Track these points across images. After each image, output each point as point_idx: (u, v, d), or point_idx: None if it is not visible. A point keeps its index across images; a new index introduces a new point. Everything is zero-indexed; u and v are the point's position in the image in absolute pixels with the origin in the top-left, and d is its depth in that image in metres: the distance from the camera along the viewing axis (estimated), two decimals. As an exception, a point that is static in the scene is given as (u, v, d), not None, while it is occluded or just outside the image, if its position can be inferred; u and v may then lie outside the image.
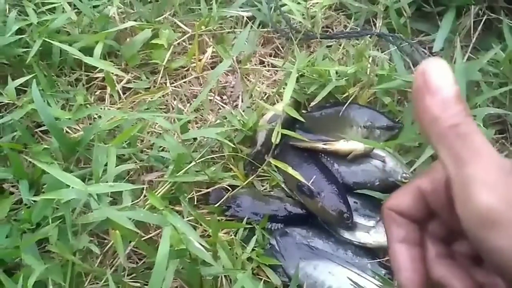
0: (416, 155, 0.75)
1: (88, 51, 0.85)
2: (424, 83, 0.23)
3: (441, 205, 0.26)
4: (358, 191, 0.76)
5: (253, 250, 0.71)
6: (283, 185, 0.80)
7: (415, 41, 0.91)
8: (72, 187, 0.58)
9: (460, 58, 0.70)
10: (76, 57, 0.81)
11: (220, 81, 0.91)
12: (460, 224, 0.22)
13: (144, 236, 0.72)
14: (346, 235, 0.75)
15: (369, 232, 0.74)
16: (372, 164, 0.78)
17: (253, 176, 0.79)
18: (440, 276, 0.26)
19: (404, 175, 0.75)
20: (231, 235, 0.74)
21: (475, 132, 0.22)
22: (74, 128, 0.84)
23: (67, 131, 0.84)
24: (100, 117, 0.80)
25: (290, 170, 0.74)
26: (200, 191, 0.78)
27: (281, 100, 0.82)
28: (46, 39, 0.82)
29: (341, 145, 0.78)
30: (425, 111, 0.23)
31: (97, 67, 0.87)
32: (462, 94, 0.68)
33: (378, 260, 0.72)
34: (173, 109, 0.87)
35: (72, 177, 0.58)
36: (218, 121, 0.84)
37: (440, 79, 0.22)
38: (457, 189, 0.22)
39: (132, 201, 0.69)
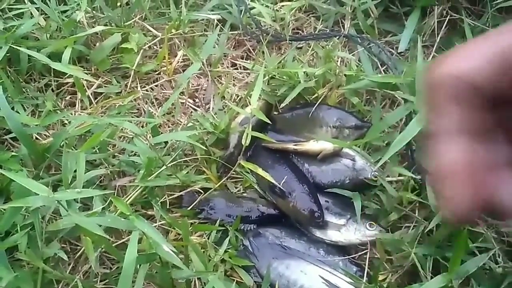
0: (385, 153, 0.76)
1: (57, 56, 0.84)
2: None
3: None
4: (329, 190, 0.78)
5: (226, 251, 0.72)
6: (256, 186, 0.80)
7: (382, 41, 0.93)
8: (39, 194, 0.58)
9: (421, 57, 0.71)
10: (45, 62, 0.80)
11: (193, 84, 0.92)
12: None
13: (117, 241, 0.73)
14: (318, 233, 0.76)
15: (340, 230, 0.75)
16: (342, 163, 0.79)
17: (225, 178, 0.80)
18: (509, 196, 0.16)
19: (374, 173, 0.77)
20: (204, 238, 0.75)
21: None
22: (45, 135, 0.83)
23: (37, 138, 0.83)
24: (70, 122, 0.80)
25: (260, 172, 0.75)
26: (173, 194, 0.78)
27: (253, 102, 0.84)
28: (13, 46, 0.81)
29: (311, 145, 0.80)
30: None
31: (67, 73, 0.86)
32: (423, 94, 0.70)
33: (349, 257, 0.73)
34: (145, 113, 0.87)
35: (38, 184, 0.58)
36: (190, 124, 0.85)
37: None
38: None
39: (103, 207, 0.69)
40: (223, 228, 0.75)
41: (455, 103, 0.17)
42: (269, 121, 0.78)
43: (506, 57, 0.17)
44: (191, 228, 0.74)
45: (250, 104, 0.84)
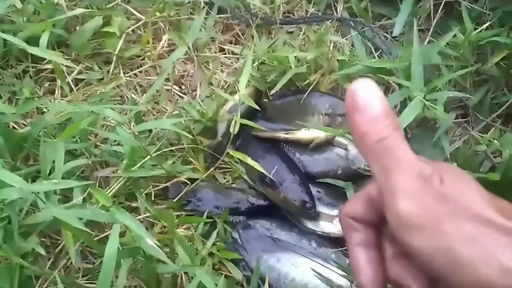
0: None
1: (35, 41, 0.81)
2: (352, 102, 0.25)
3: None
4: (321, 180, 0.76)
5: (214, 244, 0.70)
6: (245, 177, 0.79)
7: (376, 25, 0.91)
8: (14, 186, 0.56)
9: (417, 41, 0.69)
10: (22, 47, 0.77)
11: (178, 70, 0.89)
12: None
13: (100, 235, 0.71)
14: (310, 225, 0.75)
15: (333, 222, 0.74)
16: (335, 152, 0.78)
17: (213, 168, 0.78)
18: (396, 275, 0.27)
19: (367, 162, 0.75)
20: (191, 231, 0.73)
21: (399, 144, 0.25)
22: (22, 123, 0.80)
23: (14, 127, 0.80)
24: (49, 110, 0.77)
25: (249, 161, 0.74)
26: (158, 185, 0.77)
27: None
28: (-14, 29, 0.78)
29: (302, 134, 0.78)
30: (354, 127, 0.25)
31: (46, 58, 0.83)
32: (420, 78, 0.69)
33: (342, 249, 0.72)
34: (128, 100, 0.84)
35: (13, 175, 0.56)
36: (176, 112, 0.83)
37: (367, 98, 0.25)
38: (385, 197, 0.25)
39: (84, 199, 0.66)
40: (211, 220, 0.73)
41: (350, 229, 0.29)
42: (259, 108, 0.76)
43: (369, 198, 0.28)
44: (177, 220, 0.72)
45: (238, 91, 0.82)
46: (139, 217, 0.72)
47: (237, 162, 0.79)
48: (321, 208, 0.76)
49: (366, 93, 0.25)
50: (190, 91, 0.87)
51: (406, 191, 0.24)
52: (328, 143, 0.78)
